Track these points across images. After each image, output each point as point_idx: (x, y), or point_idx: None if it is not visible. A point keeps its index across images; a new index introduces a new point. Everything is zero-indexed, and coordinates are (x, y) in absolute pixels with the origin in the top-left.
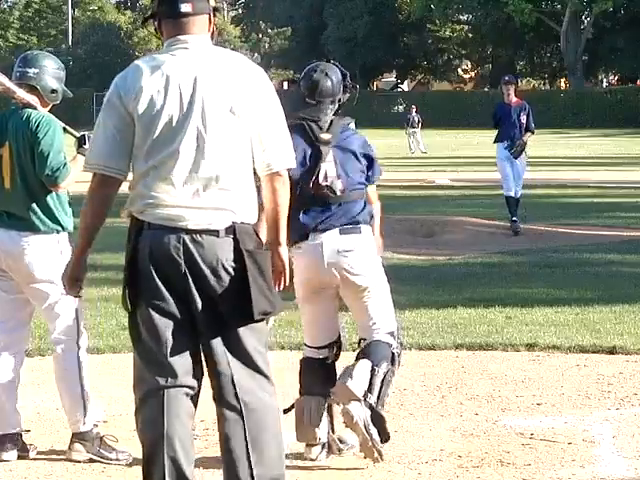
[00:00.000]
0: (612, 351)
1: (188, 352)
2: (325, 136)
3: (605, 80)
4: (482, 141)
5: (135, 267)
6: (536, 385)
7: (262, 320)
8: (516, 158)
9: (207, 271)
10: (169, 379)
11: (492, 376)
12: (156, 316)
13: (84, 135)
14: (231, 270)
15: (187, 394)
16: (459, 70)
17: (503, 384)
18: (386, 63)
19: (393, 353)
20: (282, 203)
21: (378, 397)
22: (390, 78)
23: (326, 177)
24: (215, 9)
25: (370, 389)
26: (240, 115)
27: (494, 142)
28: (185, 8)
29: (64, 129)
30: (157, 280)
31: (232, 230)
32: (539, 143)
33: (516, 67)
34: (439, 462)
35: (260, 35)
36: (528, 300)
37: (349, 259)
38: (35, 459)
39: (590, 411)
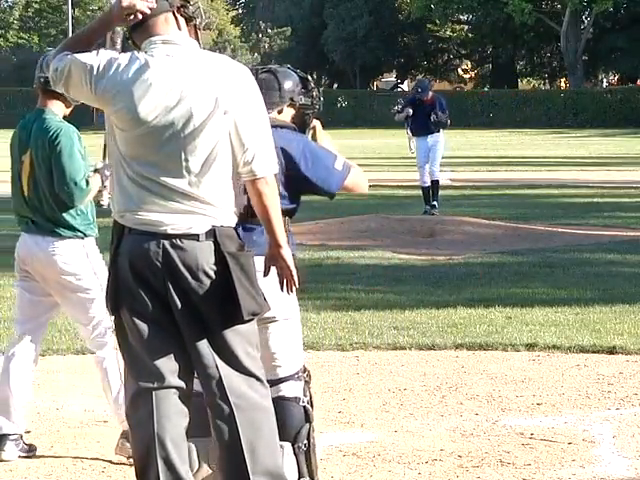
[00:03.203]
0: (612, 351)
1: (174, 354)
2: None
3: (605, 80)
4: (484, 141)
5: (116, 271)
6: (536, 385)
7: (250, 321)
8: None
9: (188, 275)
10: (156, 381)
11: (492, 376)
12: (138, 320)
13: (105, 165)
14: (212, 273)
15: (177, 394)
16: (459, 70)
17: (503, 384)
18: (386, 63)
19: (305, 408)
20: (271, 204)
21: (310, 472)
22: (390, 78)
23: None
24: (182, 7)
25: (300, 471)
26: (221, 120)
27: (414, 136)
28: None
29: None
30: (137, 285)
31: (212, 234)
32: (539, 143)
33: (516, 67)
34: (439, 462)
35: (260, 35)
36: (528, 300)
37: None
38: (35, 459)
39: (590, 411)
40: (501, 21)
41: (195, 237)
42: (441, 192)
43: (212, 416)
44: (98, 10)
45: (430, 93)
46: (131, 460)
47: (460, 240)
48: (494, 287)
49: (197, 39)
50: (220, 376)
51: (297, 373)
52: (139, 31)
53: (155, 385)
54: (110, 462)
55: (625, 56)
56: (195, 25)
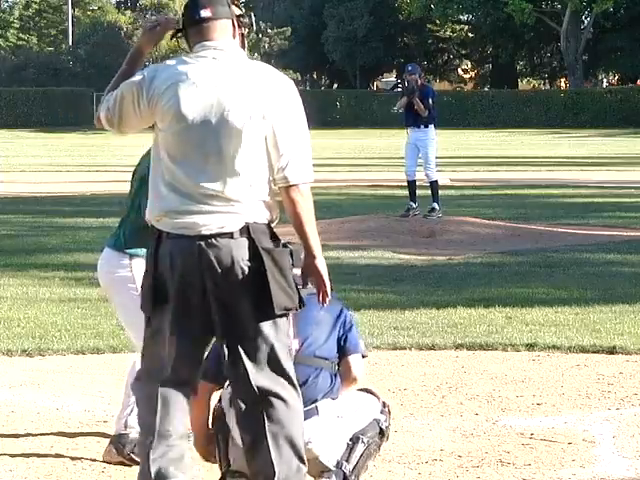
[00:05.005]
0: (612, 351)
1: (191, 360)
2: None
3: (605, 80)
4: (484, 141)
5: (155, 274)
6: (536, 385)
7: (283, 316)
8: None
9: (224, 272)
10: (168, 383)
11: (492, 376)
12: (169, 322)
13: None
14: (247, 269)
15: (185, 394)
16: (459, 70)
17: (503, 384)
18: (386, 63)
19: (381, 428)
20: (304, 213)
21: (354, 467)
22: (390, 78)
23: None
24: (240, 16)
25: (348, 457)
26: (259, 123)
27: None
28: (205, 13)
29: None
30: (176, 286)
31: (246, 230)
32: (539, 143)
33: (516, 67)
34: (439, 462)
35: (260, 35)
36: (528, 300)
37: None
38: (35, 459)
39: (590, 411)
40: (501, 21)
41: (229, 235)
42: (441, 192)
43: (238, 413)
44: (98, 10)
45: (419, 81)
46: (120, 460)
47: (460, 240)
48: (494, 287)
49: (243, 47)
50: (248, 374)
51: (382, 409)
52: (195, 31)
53: (165, 386)
54: (110, 462)
55: (625, 56)
56: (243, 34)
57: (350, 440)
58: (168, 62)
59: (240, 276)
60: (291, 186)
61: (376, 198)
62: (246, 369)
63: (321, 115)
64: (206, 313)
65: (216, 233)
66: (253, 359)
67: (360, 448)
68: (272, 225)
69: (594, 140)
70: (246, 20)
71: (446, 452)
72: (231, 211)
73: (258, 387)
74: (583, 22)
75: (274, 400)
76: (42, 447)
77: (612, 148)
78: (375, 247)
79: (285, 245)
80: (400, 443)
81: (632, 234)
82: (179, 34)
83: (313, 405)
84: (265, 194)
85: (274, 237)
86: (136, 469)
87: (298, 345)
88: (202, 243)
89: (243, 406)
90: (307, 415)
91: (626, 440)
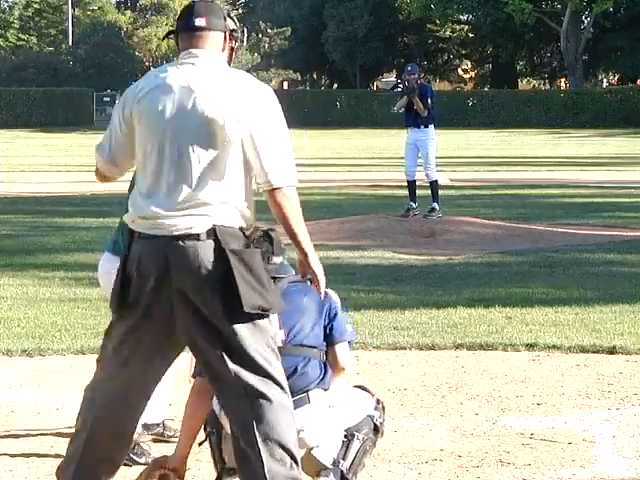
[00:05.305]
0: (612, 351)
1: (144, 370)
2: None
3: (605, 80)
4: (484, 141)
5: (125, 274)
6: (536, 385)
7: (260, 317)
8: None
9: (192, 273)
10: (112, 392)
11: (492, 376)
12: (128, 325)
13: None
14: (213, 270)
15: (122, 420)
16: (459, 70)
17: (503, 384)
18: (386, 63)
19: (376, 424)
20: (291, 216)
21: (351, 465)
22: (390, 78)
23: None
24: (233, 31)
25: (344, 455)
26: (233, 127)
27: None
28: (199, 22)
29: None
30: (143, 287)
31: (213, 232)
32: (539, 143)
33: (516, 67)
34: (439, 462)
35: (260, 35)
36: (528, 300)
37: (300, 440)
38: (35, 459)
39: (590, 411)
40: (501, 21)
41: (196, 236)
42: (441, 192)
43: (228, 415)
44: (98, 10)
45: (419, 81)
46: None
47: (460, 240)
48: (494, 287)
49: (230, 60)
50: (233, 377)
51: (376, 405)
52: (187, 37)
53: (108, 394)
54: None
55: (625, 56)
56: (233, 48)
57: (345, 437)
58: (151, 71)
59: (207, 277)
60: (275, 189)
61: (376, 198)
62: (229, 371)
63: (321, 115)
64: (171, 315)
65: (184, 234)
66: (234, 359)
67: (356, 445)
68: (245, 231)
69: (594, 140)
70: (238, 35)
71: (446, 452)
72: (201, 213)
73: (245, 388)
74: (583, 22)
75: (260, 400)
76: (42, 447)
77: (612, 148)
78: (375, 247)
79: (267, 232)
80: (400, 443)
81: (632, 234)
82: (171, 35)
83: (304, 394)
84: (239, 199)
85: (246, 240)
86: (137, 469)
87: (284, 335)
88: (170, 244)
89: (229, 405)
90: (298, 403)
91: (626, 440)
